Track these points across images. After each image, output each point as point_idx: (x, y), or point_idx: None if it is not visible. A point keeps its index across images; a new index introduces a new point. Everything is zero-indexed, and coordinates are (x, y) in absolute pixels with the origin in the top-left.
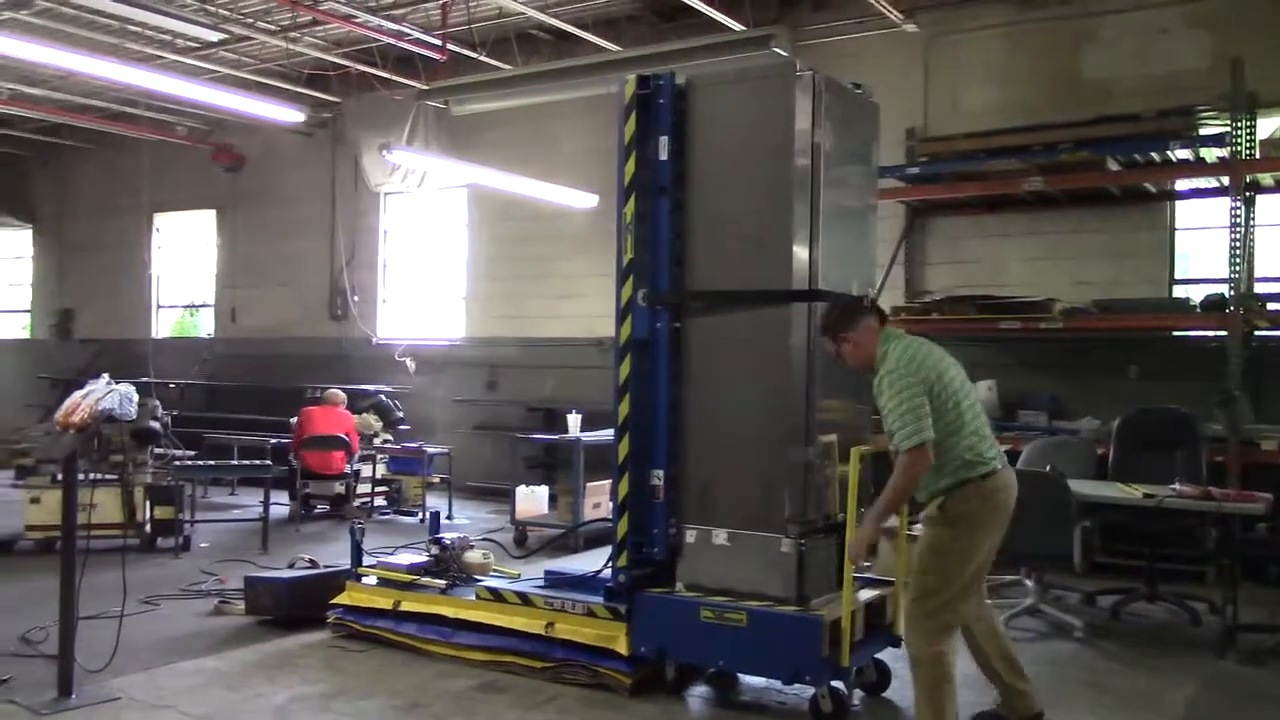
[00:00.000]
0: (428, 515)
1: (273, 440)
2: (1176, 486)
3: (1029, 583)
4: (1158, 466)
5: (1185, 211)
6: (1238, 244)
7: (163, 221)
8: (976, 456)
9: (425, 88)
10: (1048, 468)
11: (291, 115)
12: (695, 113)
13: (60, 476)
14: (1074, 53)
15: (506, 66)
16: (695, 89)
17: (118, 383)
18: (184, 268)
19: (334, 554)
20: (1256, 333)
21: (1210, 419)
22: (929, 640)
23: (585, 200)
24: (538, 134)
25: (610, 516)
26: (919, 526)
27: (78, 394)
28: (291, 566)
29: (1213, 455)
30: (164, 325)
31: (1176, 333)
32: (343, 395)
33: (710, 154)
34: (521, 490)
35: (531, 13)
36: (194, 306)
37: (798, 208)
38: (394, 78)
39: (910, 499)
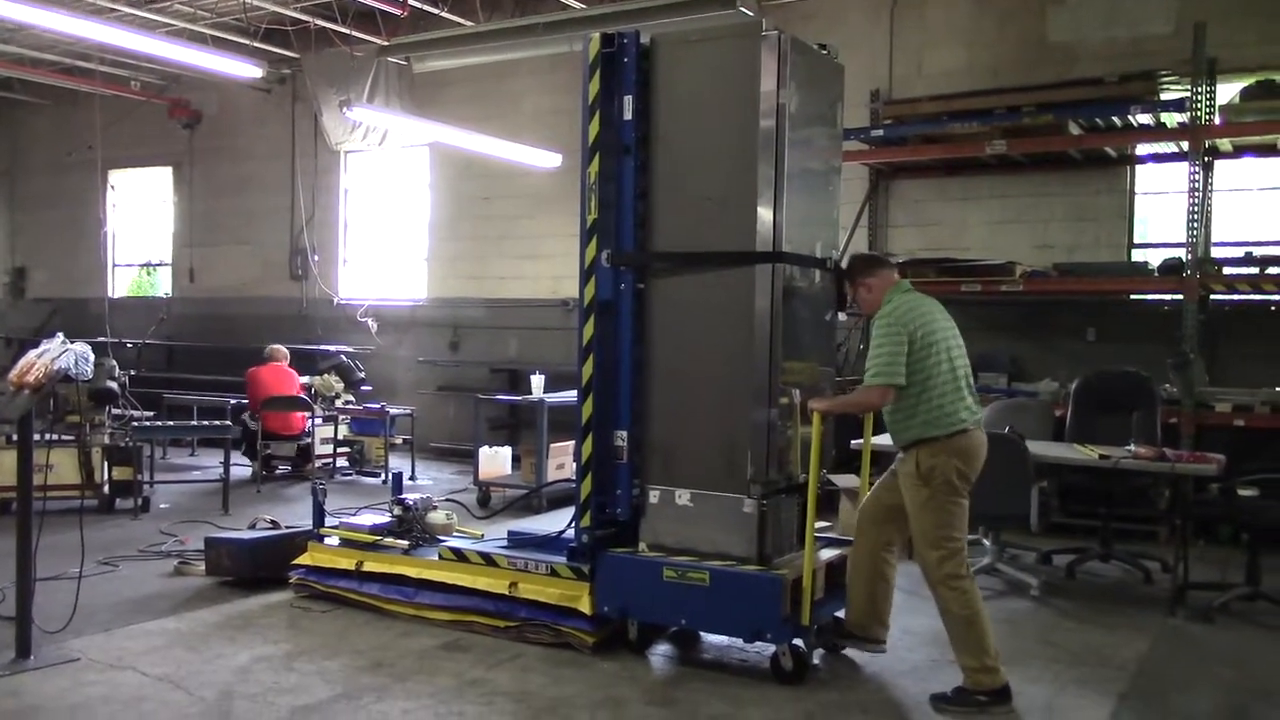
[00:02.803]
0: (390, 476)
1: (232, 401)
2: (1132, 448)
3: (986, 542)
4: (1114, 428)
5: (1145, 176)
6: (1196, 209)
7: (118, 178)
8: (943, 415)
9: (386, 44)
10: (1006, 429)
11: (249, 71)
12: (660, 72)
13: (15, 437)
14: (1040, 15)
15: (469, 23)
16: (660, 48)
17: (73, 342)
18: (140, 226)
19: (295, 515)
20: (1212, 297)
21: (1166, 381)
22: (951, 584)
23: (549, 160)
24: (501, 92)
25: (573, 477)
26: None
27: (32, 353)
28: (252, 527)
29: (1168, 417)
30: (121, 284)
31: (1134, 296)
32: (285, 351)
33: (675, 114)
34: (485, 451)
35: None
36: (151, 265)
37: (762, 169)
38: (354, 33)
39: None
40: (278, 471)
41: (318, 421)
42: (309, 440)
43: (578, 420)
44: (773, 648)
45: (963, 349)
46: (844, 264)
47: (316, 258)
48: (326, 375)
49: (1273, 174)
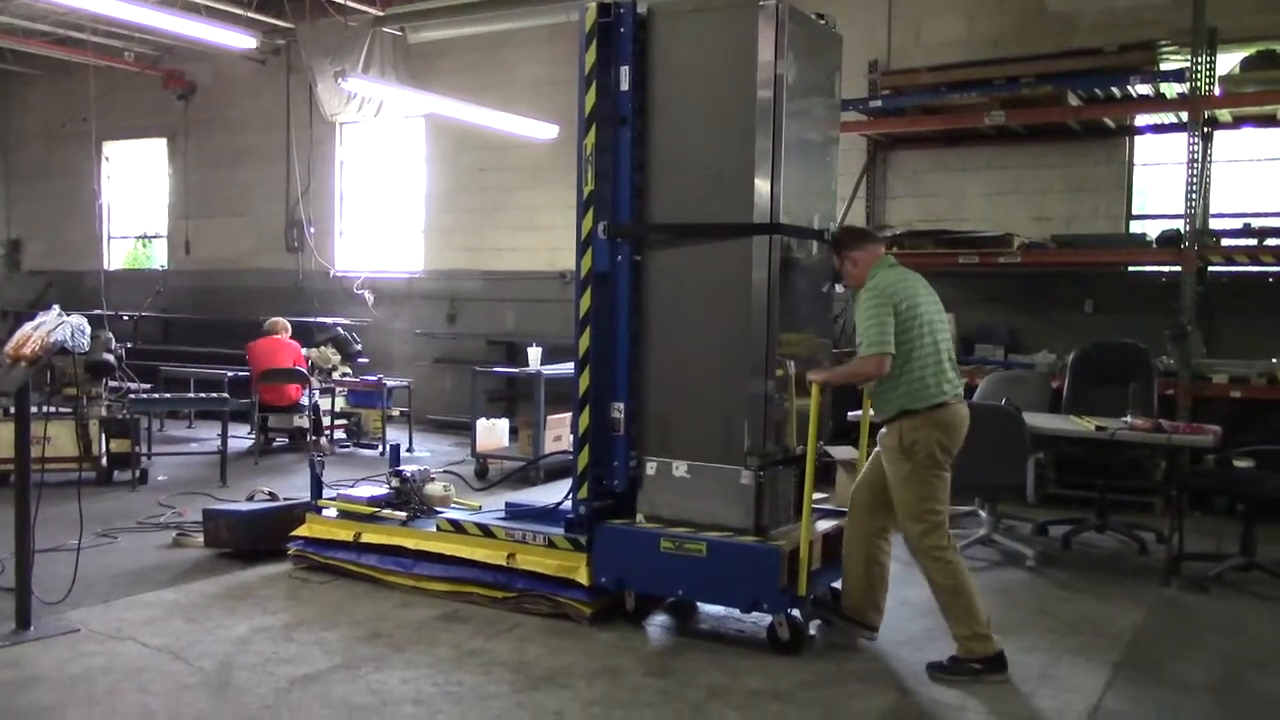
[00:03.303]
0: (388, 448)
1: (229, 373)
2: (1128, 419)
3: (983, 513)
4: (1110, 399)
5: (1144, 147)
6: (1194, 180)
7: (112, 150)
8: (924, 388)
9: (381, 14)
10: (1003, 400)
11: (243, 41)
12: (657, 42)
13: (12, 410)
14: None
15: None
16: (657, 18)
17: (69, 315)
18: (135, 198)
19: (293, 487)
20: (1210, 268)
21: (1163, 353)
22: (934, 554)
23: (545, 131)
24: (497, 63)
25: (571, 449)
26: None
27: (28, 325)
28: (251, 499)
29: (1165, 389)
30: (116, 257)
31: (1132, 268)
32: (285, 324)
33: (672, 85)
34: (482, 423)
35: None
36: (146, 237)
37: (759, 140)
38: (349, 3)
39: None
40: (275, 444)
41: (316, 393)
42: (306, 412)
43: (575, 392)
44: (769, 618)
45: (945, 323)
46: (833, 237)
47: (312, 230)
48: (323, 348)
49: (1272, 145)
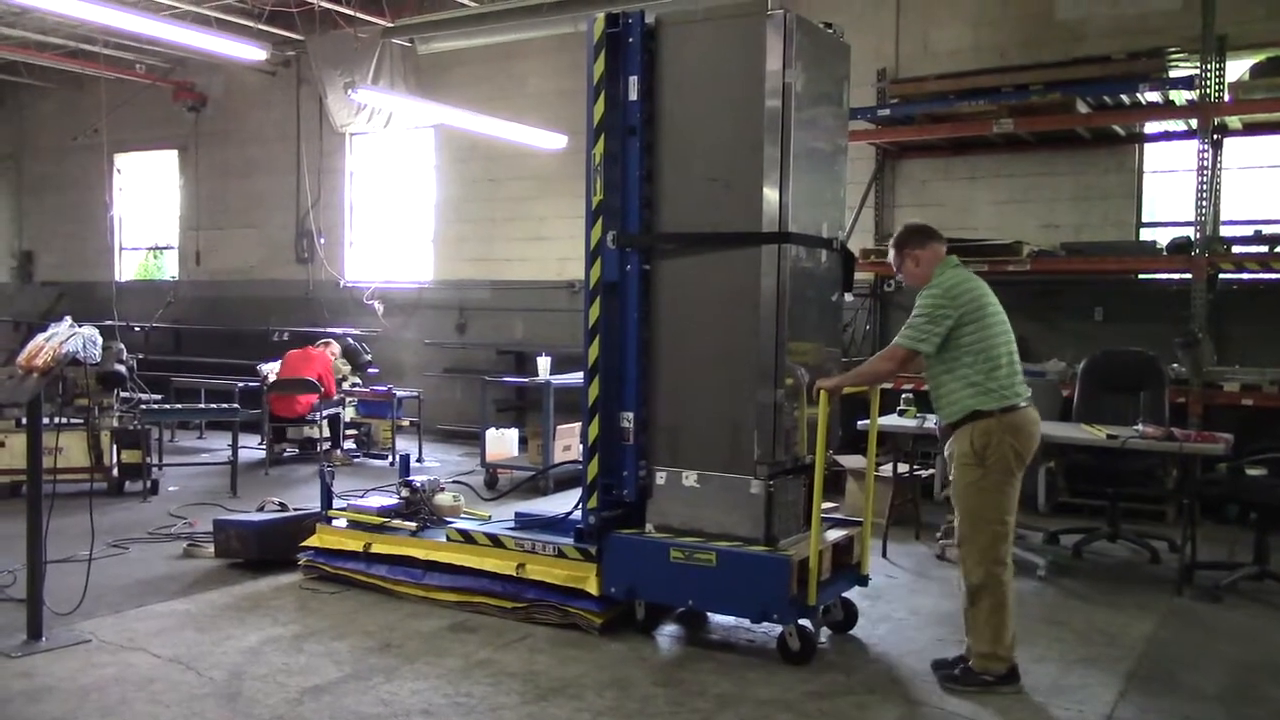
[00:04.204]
0: (398, 458)
1: (240, 384)
2: (1139, 428)
3: None
4: (1121, 408)
5: (1153, 154)
6: (1204, 187)
7: (124, 162)
8: (1002, 387)
9: (390, 25)
10: None
11: (254, 53)
12: (665, 52)
13: (24, 420)
14: None
15: (473, 3)
16: (665, 28)
17: (81, 326)
18: (147, 209)
19: (303, 497)
20: (1221, 275)
21: (1174, 361)
22: (986, 570)
23: (554, 141)
24: (506, 73)
25: (580, 459)
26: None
27: (40, 337)
28: (261, 509)
29: (1176, 397)
30: (128, 268)
31: (1142, 276)
32: (331, 341)
33: (680, 94)
34: (492, 433)
35: None
36: (158, 248)
37: (768, 149)
38: (359, 15)
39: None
40: (285, 454)
41: (339, 404)
42: (319, 423)
43: (584, 402)
44: (780, 628)
45: (1011, 331)
46: (894, 233)
47: (322, 240)
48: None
49: None
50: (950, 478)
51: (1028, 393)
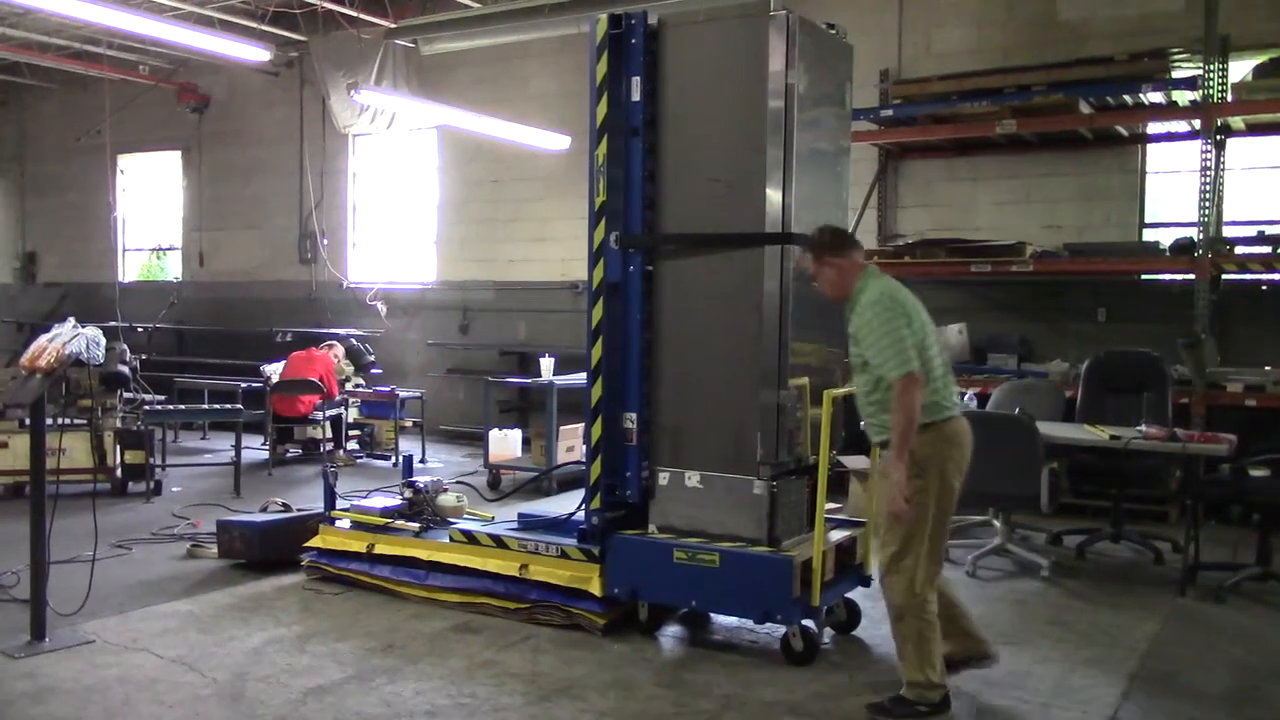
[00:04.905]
0: (401, 459)
1: (243, 384)
2: (1142, 428)
3: (997, 523)
4: (1125, 408)
5: (1156, 155)
6: (1207, 188)
7: (127, 163)
8: (939, 399)
9: (393, 26)
10: (1016, 410)
11: (257, 54)
12: (668, 53)
13: (28, 421)
14: None
15: (476, 4)
16: (668, 28)
17: (84, 327)
18: (150, 210)
19: (306, 498)
20: (1224, 276)
21: (1177, 361)
22: (912, 588)
23: (557, 142)
24: (508, 74)
25: (583, 459)
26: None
27: (43, 338)
28: (264, 510)
29: (1179, 397)
30: (131, 269)
31: (1145, 276)
32: (336, 344)
33: (683, 95)
34: (495, 434)
35: None
36: (161, 249)
37: (771, 150)
38: (362, 16)
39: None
40: (288, 455)
41: (342, 404)
42: (321, 423)
43: (587, 403)
44: (783, 629)
45: (938, 334)
46: (810, 239)
47: (325, 241)
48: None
49: None
50: (880, 492)
51: (960, 402)
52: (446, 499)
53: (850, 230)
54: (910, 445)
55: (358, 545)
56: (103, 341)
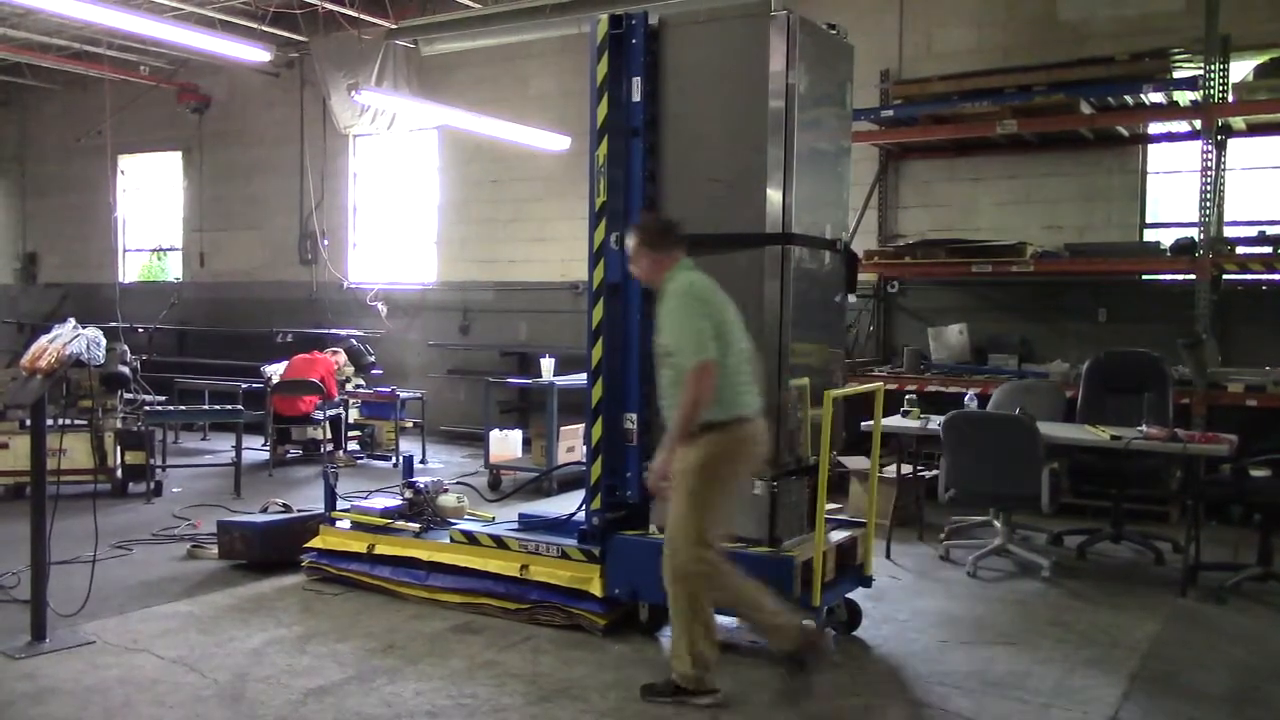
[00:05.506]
0: (401, 459)
1: (244, 385)
2: (1143, 429)
3: (997, 523)
4: (1125, 409)
5: (1157, 155)
6: (1208, 188)
7: (128, 163)
8: (737, 399)
9: (394, 26)
10: (1017, 410)
11: (258, 55)
12: (668, 53)
13: (28, 422)
14: None
15: (476, 5)
16: (668, 29)
17: (84, 327)
18: (150, 210)
19: (307, 499)
20: (1225, 276)
21: (1178, 361)
22: (693, 559)
23: (558, 142)
24: (509, 75)
25: (584, 460)
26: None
27: (44, 338)
28: (264, 511)
29: (1180, 397)
30: (131, 269)
31: (1146, 276)
32: (339, 349)
33: (683, 95)
34: (495, 434)
35: None
36: (161, 250)
37: (771, 150)
38: (362, 16)
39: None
40: (289, 455)
41: (340, 405)
42: (321, 423)
43: (588, 403)
44: None
45: (746, 335)
46: (635, 223)
47: (326, 242)
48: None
49: None
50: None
51: (759, 404)
52: (447, 499)
53: (846, 236)
54: (689, 420)
55: (358, 546)
56: (103, 342)
